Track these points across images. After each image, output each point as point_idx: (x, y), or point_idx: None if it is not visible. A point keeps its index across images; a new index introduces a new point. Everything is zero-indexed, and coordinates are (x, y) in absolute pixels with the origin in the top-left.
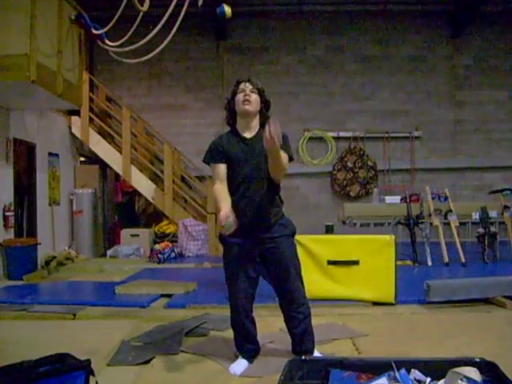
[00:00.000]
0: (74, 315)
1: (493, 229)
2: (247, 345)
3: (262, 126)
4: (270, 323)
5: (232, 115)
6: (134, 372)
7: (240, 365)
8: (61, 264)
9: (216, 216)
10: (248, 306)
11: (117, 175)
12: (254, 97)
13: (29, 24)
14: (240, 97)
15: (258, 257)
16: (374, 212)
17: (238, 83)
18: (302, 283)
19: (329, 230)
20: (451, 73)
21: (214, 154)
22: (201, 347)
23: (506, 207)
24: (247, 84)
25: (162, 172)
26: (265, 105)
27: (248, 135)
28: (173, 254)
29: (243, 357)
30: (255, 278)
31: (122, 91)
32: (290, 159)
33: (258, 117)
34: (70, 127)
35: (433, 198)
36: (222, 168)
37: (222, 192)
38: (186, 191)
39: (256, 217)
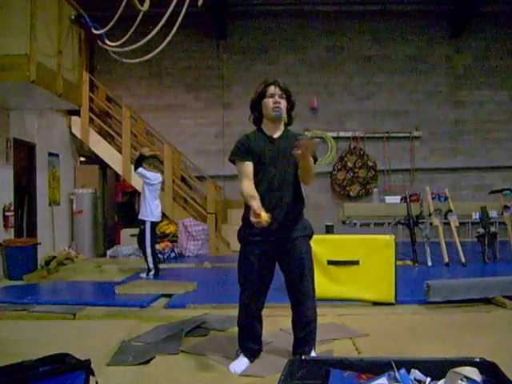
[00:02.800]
0: (74, 315)
1: (493, 229)
2: (251, 344)
3: (286, 125)
4: (270, 323)
5: (258, 116)
6: (134, 372)
7: (241, 363)
8: (61, 264)
9: (216, 216)
10: (259, 306)
11: (117, 175)
12: (284, 103)
13: (29, 24)
14: (270, 102)
15: (276, 255)
16: (373, 212)
17: (267, 85)
18: (314, 288)
19: (329, 230)
20: (451, 73)
21: (241, 152)
22: (201, 347)
23: (506, 207)
24: (277, 89)
25: (161, 172)
26: (291, 106)
27: (275, 135)
28: (173, 254)
29: (245, 355)
30: (270, 278)
31: (122, 91)
32: (315, 161)
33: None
34: (70, 127)
35: (433, 198)
36: (249, 166)
37: (251, 189)
38: (186, 191)
39: (280, 216)
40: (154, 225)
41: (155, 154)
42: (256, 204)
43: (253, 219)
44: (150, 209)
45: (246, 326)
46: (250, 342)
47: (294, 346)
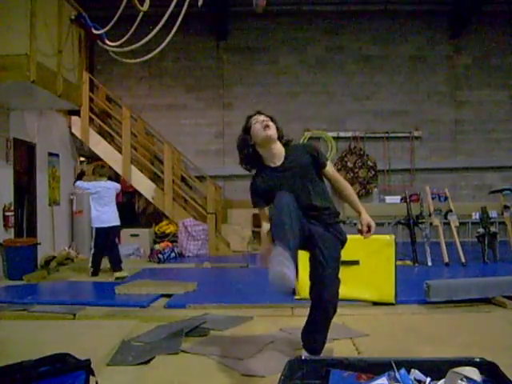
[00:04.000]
0: (74, 315)
1: (493, 229)
2: (286, 235)
3: (285, 146)
4: (270, 323)
5: (251, 154)
6: (133, 372)
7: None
8: (61, 264)
9: (216, 216)
10: (295, 210)
11: (117, 175)
12: (271, 123)
13: (29, 24)
14: (258, 126)
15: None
16: (374, 212)
17: (249, 118)
18: (338, 289)
19: None
20: (451, 73)
21: (257, 200)
22: (201, 347)
23: (506, 207)
24: (262, 116)
25: (162, 172)
26: (278, 129)
27: (278, 163)
28: (173, 254)
29: (280, 245)
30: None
31: (122, 91)
32: (325, 163)
33: (278, 143)
34: (69, 127)
35: (433, 198)
36: (264, 211)
37: (265, 234)
38: (186, 191)
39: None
40: (99, 230)
41: (97, 164)
42: (263, 249)
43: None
44: (96, 215)
45: (281, 222)
46: (288, 235)
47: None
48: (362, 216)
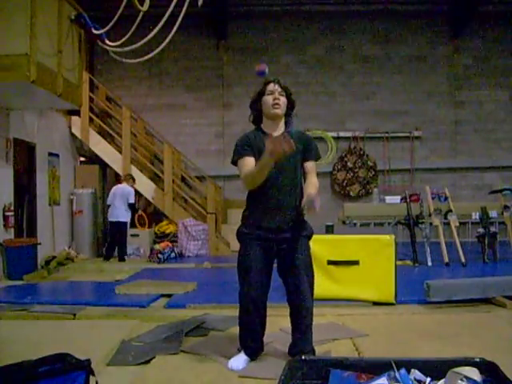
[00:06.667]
0: (74, 315)
1: (493, 229)
2: (250, 342)
3: (285, 124)
4: (270, 323)
5: (257, 114)
6: (133, 372)
7: (240, 360)
8: (61, 264)
9: (216, 216)
10: (259, 305)
11: (117, 175)
12: (283, 100)
13: (29, 24)
14: (269, 99)
15: (275, 255)
16: (374, 212)
17: (266, 83)
18: (312, 289)
19: (329, 230)
20: (451, 73)
21: (241, 150)
22: (201, 347)
23: (506, 207)
24: (276, 86)
25: (162, 172)
26: (291, 105)
27: (275, 133)
28: (173, 254)
29: (245, 353)
30: (269, 277)
31: (122, 91)
32: (317, 159)
33: (283, 118)
34: (70, 127)
35: (433, 198)
36: (250, 160)
37: (252, 167)
38: (186, 191)
39: (279, 216)
40: (109, 223)
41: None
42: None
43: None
44: (109, 211)
45: (247, 324)
46: (250, 341)
47: (290, 346)
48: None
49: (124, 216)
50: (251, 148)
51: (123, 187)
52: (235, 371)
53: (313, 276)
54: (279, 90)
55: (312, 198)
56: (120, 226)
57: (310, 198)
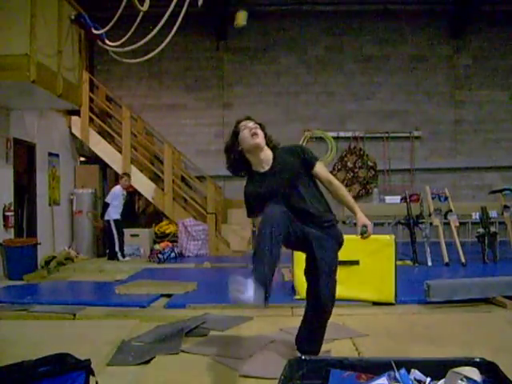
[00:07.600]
0: (74, 315)
1: (493, 229)
2: (264, 267)
3: (273, 150)
4: (270, 323)
5: (239, 159)
6: (133, 372)
7: (250, 290)
8: (61, 264)
9: (216, 216)
10: (279, 228)
11: (117, 175)
12: (259, 131)
13: (29, 24)
14: (246, 133)
15: (302, 240)
16: (374, 212)
17: (238, 123)
18: (335, 290)
19: None
20: (451, 73)
21: (248, 209)
22: (201, 347)
23: (506, 207)
24: (248, 121)
25: (162, 172)
26: (268, 139)
27: (266, 167)
28: (173, 254)
29: (255, 278)
30: (289, 226)
31: (122, 91)
32: (314, 163)
33: (266, 149)
34: (70, 127)
35: (433, 198)
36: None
37: None
38: (186, 191)
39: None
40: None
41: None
42: None
43: None
44: None
45: (263, 250)
46: (264, 266)
47: (298, 341)
48: (358, 216)
49: (108, 215)
50: (253, 205)
51: (115, 187)
52: (246, 303)
53: (335, 281)
54: (252, 123)
55: (367, 229)
56: (109, 225)
57: (365, 228)
